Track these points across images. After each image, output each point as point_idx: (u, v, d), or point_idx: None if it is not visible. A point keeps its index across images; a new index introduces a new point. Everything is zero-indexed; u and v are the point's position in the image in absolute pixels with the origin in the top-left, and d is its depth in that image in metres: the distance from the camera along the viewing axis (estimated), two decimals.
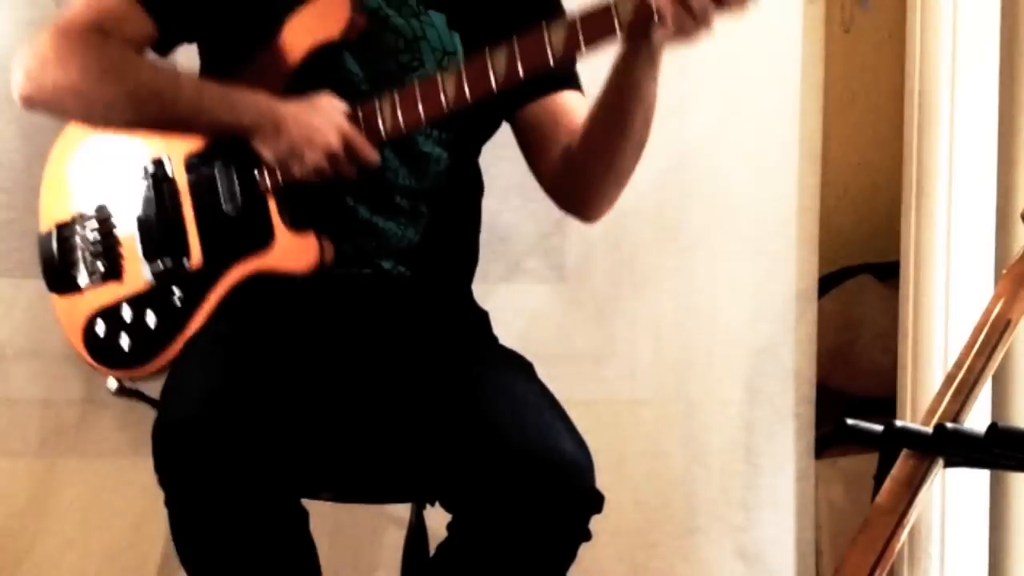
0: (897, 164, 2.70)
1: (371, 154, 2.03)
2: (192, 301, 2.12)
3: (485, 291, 2.30)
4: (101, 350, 2.19)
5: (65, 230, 2.25)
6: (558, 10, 2.17)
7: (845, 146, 2.76)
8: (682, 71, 2.65)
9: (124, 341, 2.16)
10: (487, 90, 1.98)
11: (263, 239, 2.07)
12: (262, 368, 1.93)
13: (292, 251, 2.05)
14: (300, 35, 2.08)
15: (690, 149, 2.71)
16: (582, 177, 2.17)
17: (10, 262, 2.56)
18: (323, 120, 2.02)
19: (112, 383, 2.22)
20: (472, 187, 2.28)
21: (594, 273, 2.69)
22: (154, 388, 2.13)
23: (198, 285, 2.11)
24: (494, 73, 1.97)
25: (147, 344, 2.14)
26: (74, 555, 2.62)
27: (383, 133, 2.03)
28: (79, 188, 2.23)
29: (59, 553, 2.61)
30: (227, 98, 2.03)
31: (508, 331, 2.32)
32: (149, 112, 2.05)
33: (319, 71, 2.09)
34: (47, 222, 2.28)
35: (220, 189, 2.11)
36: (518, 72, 1.96)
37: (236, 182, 2.10)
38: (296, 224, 2.06)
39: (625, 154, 2.11)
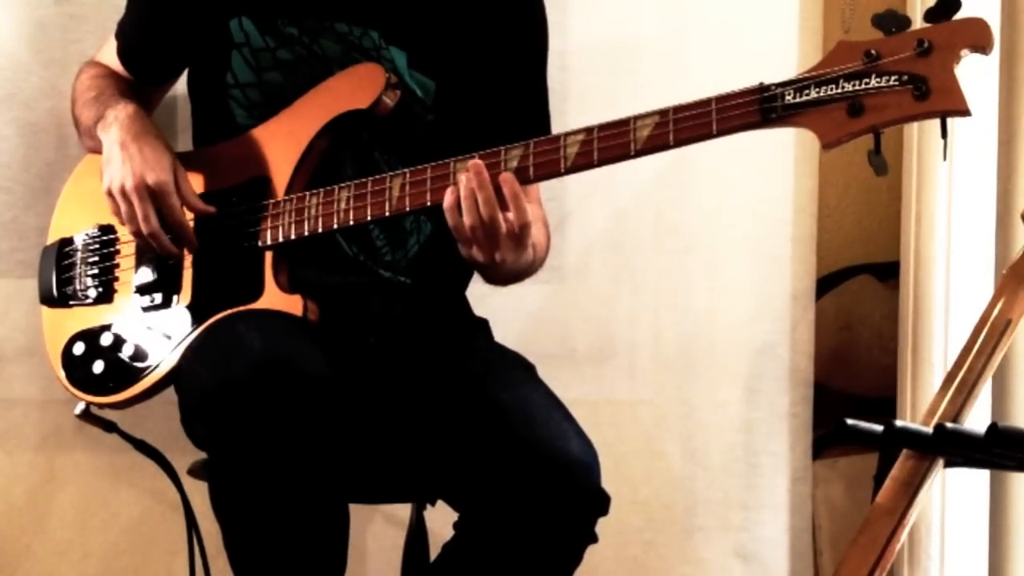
0: (897, 164, 2.70)
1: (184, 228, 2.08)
2: (171, 340, 2.11)
3: (486, 292, 2.30)
4: (75, 371, 2.19)
5: (68, 246, 2.25)
6: (523, 59, 2.21)
7: (844, 146, 2.75)
8: (680, 71, 2.66)
9: (98, 366, 2.16)
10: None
11: (252, 293, 2.07)
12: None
13: (277, 306, 2.04)
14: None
15: (689, 151, 2.69)
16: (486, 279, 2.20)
17: (10, 262, 2.55)
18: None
19: (79, 406, 2.21)
20: None
21: (594, 273, 2.69)
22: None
23: (180, 325, 2.11)
24: (505, 170, 1.94)
25: (119, 373, 2.14)
26: (74, 555, 2.61)
27: (388, 210, 2.02)
28: (92, 208, 2.24)
29: (59, 553, 2.61)
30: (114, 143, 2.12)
31: (508, 332, 2.33)
32: (96, 149, 2.19)
33: None
34: (54, 235, 2.29)
35: (222, 236, 2.11)
36: (529, 175, 1.94)
37: (238, 232, 2.10)
38: (288, 286, 2.07)
39: (506, 281, 2.16)
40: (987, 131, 2.53)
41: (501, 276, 2.11)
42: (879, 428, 2.09)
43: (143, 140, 2.09)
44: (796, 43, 2.71)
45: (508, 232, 1.91)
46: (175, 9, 2.21)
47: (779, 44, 2.71)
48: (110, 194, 2.09)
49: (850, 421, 2.11)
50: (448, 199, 1.92)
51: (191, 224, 2.11)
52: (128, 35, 2.30)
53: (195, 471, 2.21)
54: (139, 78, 2.32)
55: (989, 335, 2.12)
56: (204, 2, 2.18)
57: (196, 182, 2.15)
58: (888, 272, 2.78)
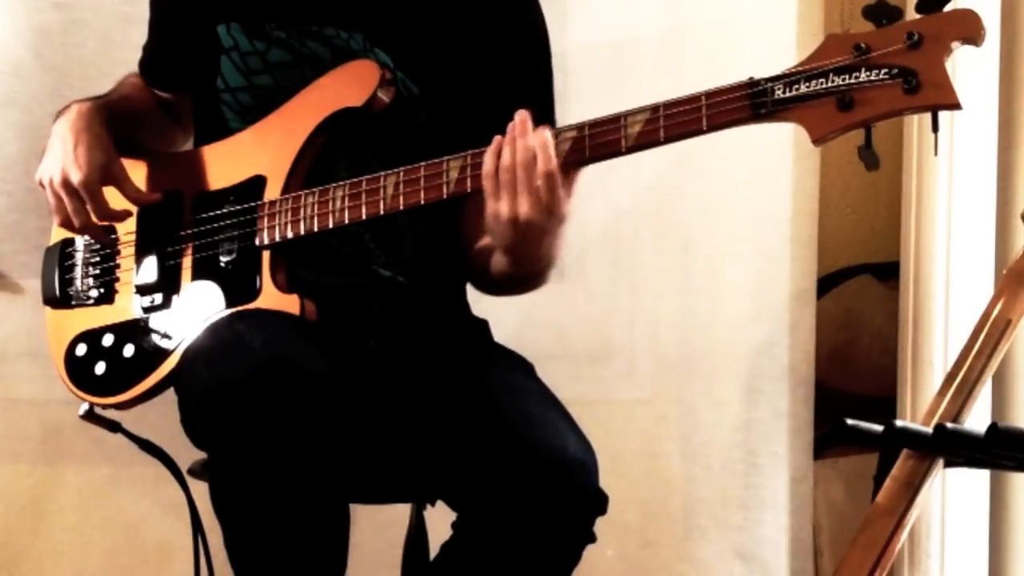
0: (897, 164, 2.71)
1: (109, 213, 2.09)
2: (171, 340, 2.11)
3: None
4: (78, 372, 2.18)
5: (70, 246, 2.26)
6: (515, 63, 2.18)
7: (844, 146, 2.76)
8: (679, 73, 2.66)
9: (100, 367, 2.16)
10: None
11: (250, 293, 2.06)
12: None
13: (274, 305, 2.04)
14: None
15: (688, 150, 2.70)
16: (481, 282, 2.19)
17: (12, 263, 2.56)
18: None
19: (83, 407, 2.20)
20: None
21: (593, 273, 2.69)
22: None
23: (180, 325, 2.10)
24: None
25: (121, 374, 2.13)
26: (74, 555, 2.62)
27: (382, 209, 2.01)
28: None
29: (59, 553, 2.62)
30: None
31: (507, 332, 2.32)
32: None
33: None
34: (56, 235, 2.29)
35: (220, 235, 2.11)
36: None
37: (236, 231, 2.10)
38: (285, 286, 2.06)
39: (523, 287, 2.13)
40: (987, 132, 2.53)
41: (522, 264, 2.00)
42: (879, 428, 2.09)
43: (81, 138, 2.10)
44: (795, 44, 2.71)
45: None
46: (170, 18, 2.23)
47: (778, 45, 2.71)
48: (41, 184, 2.11)
49: (850, 421, 2.11)
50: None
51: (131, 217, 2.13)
52: (145, 46, 2.33)
53: (195, 471, 2.21)
54: (154, 87, 2.34)
55: (989, 335, 2.12)
56: (192, 9, 2.18)
57: (194, 182, 2.15)
58: (888, 272, 2.79)
